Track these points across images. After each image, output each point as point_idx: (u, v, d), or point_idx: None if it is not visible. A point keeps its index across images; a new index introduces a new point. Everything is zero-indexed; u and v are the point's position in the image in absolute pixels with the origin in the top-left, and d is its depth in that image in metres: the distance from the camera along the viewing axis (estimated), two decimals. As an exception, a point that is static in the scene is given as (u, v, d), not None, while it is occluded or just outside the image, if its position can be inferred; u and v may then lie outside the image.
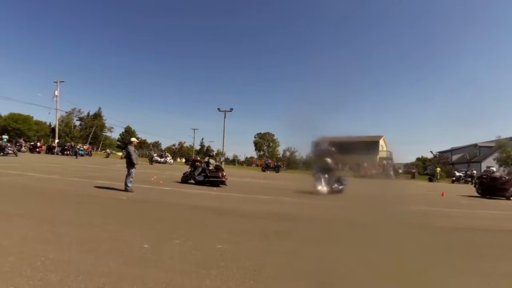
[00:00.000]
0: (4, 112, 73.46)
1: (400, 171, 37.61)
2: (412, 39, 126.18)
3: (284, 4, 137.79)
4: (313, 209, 9.69)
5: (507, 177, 16.73)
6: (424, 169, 64.42)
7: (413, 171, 43.11)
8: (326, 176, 14.33)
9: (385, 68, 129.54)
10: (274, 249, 4.63)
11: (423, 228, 7.45)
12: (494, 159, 45.79)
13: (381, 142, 45.28)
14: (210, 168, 14.19)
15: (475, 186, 19.26)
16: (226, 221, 6.41)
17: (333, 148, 28.95)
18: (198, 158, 16.01)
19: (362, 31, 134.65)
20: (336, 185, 14.63)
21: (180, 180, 14.84)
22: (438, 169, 36.35)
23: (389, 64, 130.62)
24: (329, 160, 15.87)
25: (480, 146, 55.18)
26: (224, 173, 14.14)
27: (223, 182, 13.82)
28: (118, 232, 4.84)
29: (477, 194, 17.55)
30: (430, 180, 34.37)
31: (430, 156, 56.21)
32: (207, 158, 16.89)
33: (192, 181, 14.25)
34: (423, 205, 11.85)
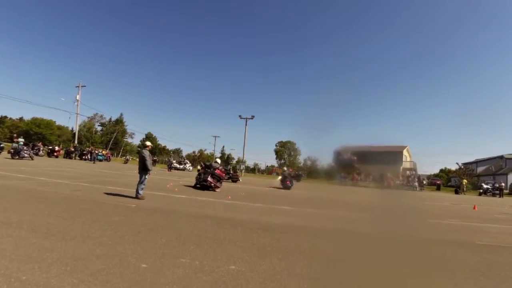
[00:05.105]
0: (27, 117, 75.76)
1: (425, 182, 35.96)
2: (441, 50, 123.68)
3: (312, 22, 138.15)
4: (337, 222, 8.73)
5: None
6: (448, 180, 61.75)
7: (438, 182, 41.12)
8: None
9: (412, 79, 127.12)
10: (297, 272, 3.81)
11: (461, 245, 6.45)
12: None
13: (405, 152, 43.36)
14: (209, 171, 14.65)
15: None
16: (241, 235, 5.62)
17: (355, 158, 27.79)
18: (202, 163, 16.63)
19: (390, 46, 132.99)
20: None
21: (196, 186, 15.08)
22: (465, 181, 34.39)
23: (415, 75, 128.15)
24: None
25: (507, 158, 52.36)
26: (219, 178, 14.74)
27: (210, 188, 14.22)
28: (114, 247, 4.14)
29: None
30: (456, 192, 32.56)
31: (454, 167, 53.78)
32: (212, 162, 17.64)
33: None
34: (455, 219, 10.67)
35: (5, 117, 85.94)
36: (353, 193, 21.29)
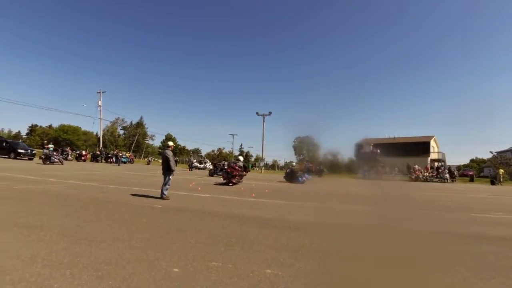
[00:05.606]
0: (55, 124, 79.29)
1: (456, 173, 34.17)
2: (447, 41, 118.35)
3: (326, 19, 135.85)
4: (368, 218, 8.27)
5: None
6: (480, 171, 58.77)
7: (471, 173, 38.96)
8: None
9: (437, 67, 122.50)
10: (339, 274, 3.52)
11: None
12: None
13: (432, 142, 41.38)
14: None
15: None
16: (272, 235, 5.37)
17: (378, 150, 26.81)
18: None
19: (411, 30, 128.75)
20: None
21: (218, 184, 15.75)
22: (501, 170, 31.97)
23: (442, 62, 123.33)
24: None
25: (545, 144, 49.12)
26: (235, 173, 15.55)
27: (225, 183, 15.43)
28: (144, 251, 4.00)
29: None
30: (493, 183, 30.29)
31: (487, 157, 51.04)
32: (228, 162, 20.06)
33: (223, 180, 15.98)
34: (501, 212, 9.87)
35: (36, 125, 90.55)
36: (379, 187, 20.55)
